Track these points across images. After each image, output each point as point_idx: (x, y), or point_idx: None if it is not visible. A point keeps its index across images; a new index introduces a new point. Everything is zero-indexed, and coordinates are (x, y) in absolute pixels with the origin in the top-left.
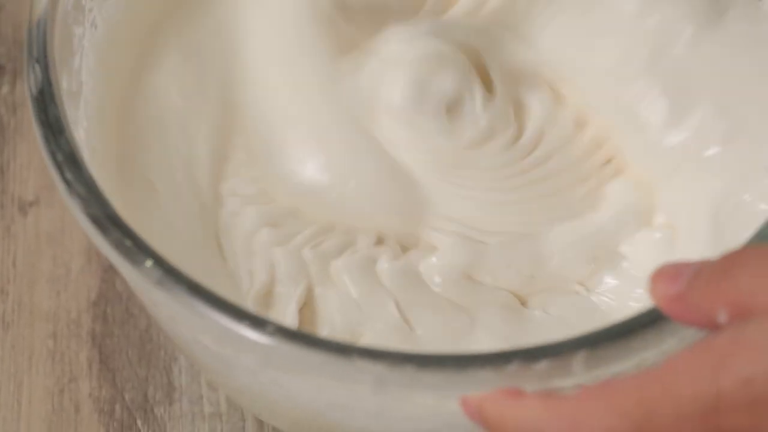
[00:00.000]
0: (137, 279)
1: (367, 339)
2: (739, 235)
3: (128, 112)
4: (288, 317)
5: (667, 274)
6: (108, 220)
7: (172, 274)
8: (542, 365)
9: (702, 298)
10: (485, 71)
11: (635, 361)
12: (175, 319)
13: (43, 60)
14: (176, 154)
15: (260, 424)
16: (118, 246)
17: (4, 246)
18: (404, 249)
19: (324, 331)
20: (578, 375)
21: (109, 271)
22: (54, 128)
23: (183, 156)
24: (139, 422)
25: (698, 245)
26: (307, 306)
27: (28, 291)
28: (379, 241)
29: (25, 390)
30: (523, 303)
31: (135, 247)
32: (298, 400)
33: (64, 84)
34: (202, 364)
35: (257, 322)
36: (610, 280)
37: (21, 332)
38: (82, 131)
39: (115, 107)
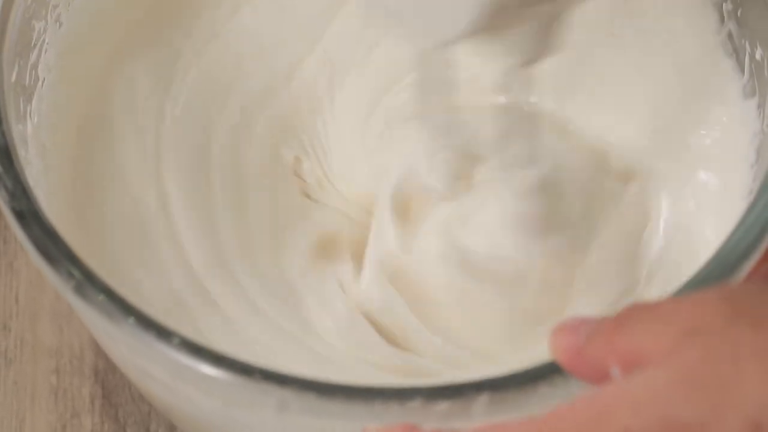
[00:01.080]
0: (55, 281)
1: None
2: None
3: (91, 113)
4: None
5: (566, 328)
6: (31, 217)
7: (88, 279)
8: (443, 405)
9: (596, 352)
10: None
11: (539, 409)
12: (95, 325)
13: None
14: (139, 158)
15: None
16: (38, 244)
17: (7, 281)
18: None
19: None
20: (479, 417)
21: None
22: None
23: (149, 159)
24: None
25: None
26: None
27: (30, 326)
28: None
29: (28, 426)
30: None
31: (55, 247)
32: (208, 416)
33: (14, 77)
34: (123, 371)
35: (163, 333)
36: None
37: (23, 368)
38: (30, 126)
39: (76, 107)
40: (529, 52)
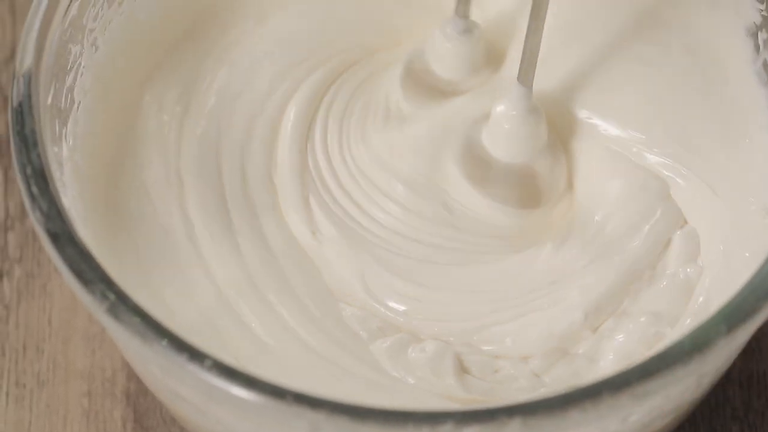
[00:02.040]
0: (89, 303)
1: None
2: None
3: (123, 136)
4: None
5: None
6: (65, 238)
7: (122, 301)
8: (475, 429)
9: None
10: None
11: None
12: (127, 347)
13: (28, 73)
14: (164, 182)
15: None
16: (72, 266)
17: (40, 304)
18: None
19: None
20: None
21: None
22: (28, 141)
23: (172, 183)
24: None
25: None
26: None
27: (63, 349)
28: None
29: None
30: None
31: (89, 269)
32: None
33: (50, 99)
34: (155, 394)
35: (196, 355)
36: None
37: (56, 390)
38: (66, 149)
39: (110, 130)
40: None
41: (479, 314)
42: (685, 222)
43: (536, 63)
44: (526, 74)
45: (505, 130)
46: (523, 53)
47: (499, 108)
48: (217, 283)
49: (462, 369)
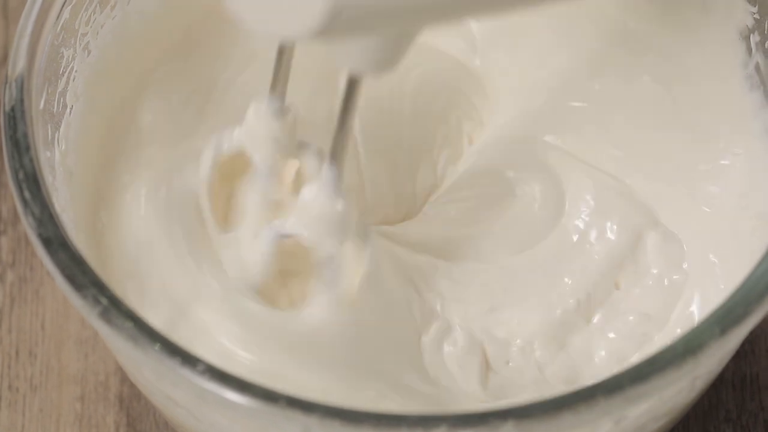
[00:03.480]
0: (81, 307)
1: None
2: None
3: (116, 142)
4: None
5: None
6: (58, 243)
7: (115, 306)
8: None
9: None
10: None
11: None
12: (120, 351)
13: (20, 77)
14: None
15: None
16: (64, 271)
17: (33, 308)
18: None
19: None
20: None
21: None
22: (20, 146)
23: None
24: None
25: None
26: None
27: (56, 353)
28: None
29: None
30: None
31: (81, 273)
32: None
33: (42, 104)
34: (148, 398)
35: (189, 360)
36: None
37: (49, 395)
38: (58, 153)
39: (103, 134)
40: None
41: (490, 298)
42: (657, 221)
43: (347, 145)
44: (338, 155)
45: (314, 216)
46: (335, 134)
47: (308, 191)
48: (215, 283)
49: (487, 366)
